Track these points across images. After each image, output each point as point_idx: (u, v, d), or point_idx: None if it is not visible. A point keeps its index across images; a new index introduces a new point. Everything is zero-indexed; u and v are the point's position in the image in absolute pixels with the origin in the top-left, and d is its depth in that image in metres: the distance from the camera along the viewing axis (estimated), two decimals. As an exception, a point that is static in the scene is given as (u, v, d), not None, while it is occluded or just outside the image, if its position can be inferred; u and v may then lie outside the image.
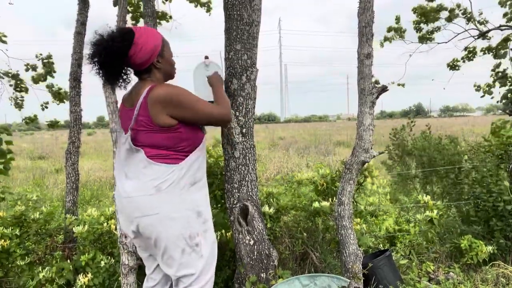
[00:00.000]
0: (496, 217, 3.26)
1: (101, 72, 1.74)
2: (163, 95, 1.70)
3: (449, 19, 6.19)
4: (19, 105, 6.09)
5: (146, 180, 1.71)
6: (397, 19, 6.70)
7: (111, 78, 1.79)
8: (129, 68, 1.84)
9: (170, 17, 5.75)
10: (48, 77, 5.92)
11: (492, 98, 5.42)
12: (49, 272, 2.64)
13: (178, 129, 1.73)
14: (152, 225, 1.70)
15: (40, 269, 2.66)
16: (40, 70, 5.91)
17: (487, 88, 5.92)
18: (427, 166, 5.15)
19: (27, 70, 5.90)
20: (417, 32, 6.60)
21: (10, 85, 5.88)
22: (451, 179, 4.50)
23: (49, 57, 5.90)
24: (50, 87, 5.89)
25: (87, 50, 1.73)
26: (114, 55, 1.69)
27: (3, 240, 2.77)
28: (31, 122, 5.87)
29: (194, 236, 1.76)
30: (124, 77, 1.83)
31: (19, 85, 5.91)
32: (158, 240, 1.72)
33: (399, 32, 6.67)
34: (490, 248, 3.07)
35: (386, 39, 6.80)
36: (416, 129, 6.03)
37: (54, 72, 5.91)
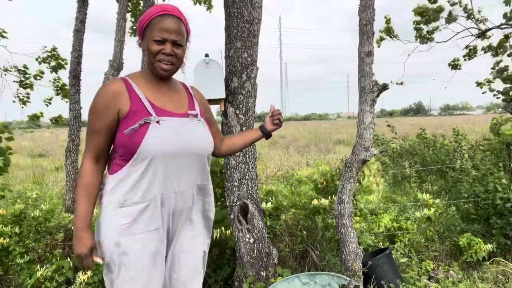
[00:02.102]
0: (496, 215, 3.26)
1: None
2: None
3: (448, 21, 6.18)
4: (23, 102, 6.08)
5: None
6: (387, 20, 6.71)
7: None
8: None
9: None
10: (53, 71, 5.92)
11: (494, 96, 5.41)
12: (47, 270, 2.64)
13: (118, 131, 1.45)
14: None
15: (39, 267, 2.66)
16: (50, 63, 5.91)
17: (488, 85, 5.91)
18: (420, 166, 5.19)
19: (40, 63, 5.88)
20: (417, 32, 6.60)
21: (15, 82, 5.87)
22: (451, 177, 4.51)
23: (54, 49, 5.89)
24: (56, 80, 5.88)
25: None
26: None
27: (2, 238, 2.77)
28: (37, 119, 5.84)
29: (108, 264, 1.47)
30: None
31: (24, 81, 5.90)
32: None
33: (390, 32, 6.67)
34: (489, 246, 3.07)
35: (382, 39, 6.81)
36: (415, 129, 6.09)
37: (66, 63, 5.89)
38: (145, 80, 1.52)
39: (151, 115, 1.42)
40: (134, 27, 5.31)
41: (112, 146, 1.49)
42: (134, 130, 1.40)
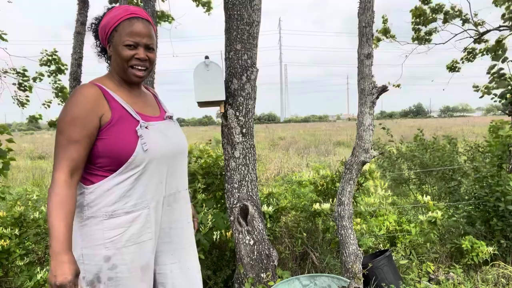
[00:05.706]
0: (497, 218, 3.26)
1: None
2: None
3: (445, 21, 6.19)
4: (22, 104, 6.09)
5: None
6: (384, 21, 6.71)
7: (101, 54, 1.53)
8: None
9: (173, 18, 5.78)
10: (51, 75, 5.95)
11: (492, 99, 5.41)
12: (47, 273, 2.63)
13: (99, 140, 1.34)
14: None
15: (39, 270, 2.65)
16: (50, 67, 5.95)
17: (485, 90, 5.92)
18: (419, 168, 5.18)
19: (41, 65, 5.93)
20: (415, 33, 6.60)
21: (14, 84, 5.89)
22: (452, 179, 4.51)
23: (54, 53, 5.93)
24: (55, 82, 5.92)
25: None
26: (93, 28, 1.48)
27: (2, 240, 2.76)
28: (35, 120, 5.89)
29: (92, 280, 1.33)
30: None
31: (23, 84, 5.93)
32: None
33: (387, 33, 6.68)
34: (490, 248, 3.07)
35: (379, 39, 6.82)
36: (415, 131, 6.08)
37: (66, 68, 5.93)
38: (116, 85, 1.42)
39: (137, 120, 1.36)
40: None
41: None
42: (122, 138, 1.32)
